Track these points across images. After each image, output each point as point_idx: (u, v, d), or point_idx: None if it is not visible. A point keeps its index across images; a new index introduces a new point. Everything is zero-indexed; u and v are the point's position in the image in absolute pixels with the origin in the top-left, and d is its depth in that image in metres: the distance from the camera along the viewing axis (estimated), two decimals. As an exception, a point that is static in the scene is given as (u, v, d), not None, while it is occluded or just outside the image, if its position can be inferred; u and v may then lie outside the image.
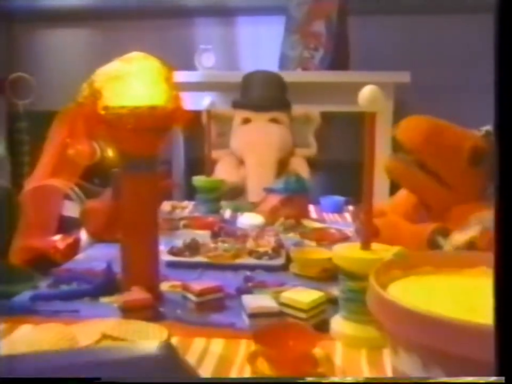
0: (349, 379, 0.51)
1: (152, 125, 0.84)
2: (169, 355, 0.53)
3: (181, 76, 2.37)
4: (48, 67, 3.27)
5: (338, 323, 0.78)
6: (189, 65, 2.67)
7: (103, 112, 0.83)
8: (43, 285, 0.99)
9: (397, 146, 1.07)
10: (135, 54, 0.89)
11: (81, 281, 1.00)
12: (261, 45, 2.87)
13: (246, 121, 2.29)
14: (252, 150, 2.20)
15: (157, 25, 3.05)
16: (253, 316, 0.81)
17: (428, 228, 0.89)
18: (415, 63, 2.60)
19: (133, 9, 3.05)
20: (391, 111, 2.37)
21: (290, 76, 2.41)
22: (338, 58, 2.47)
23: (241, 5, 2.86)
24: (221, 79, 2.61)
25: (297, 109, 2.35)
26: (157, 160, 0.90)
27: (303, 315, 0.80)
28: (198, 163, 2.22)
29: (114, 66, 0.87)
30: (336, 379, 0.46)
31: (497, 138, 0.37)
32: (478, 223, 0.73)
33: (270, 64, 2.60)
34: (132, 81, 0.86)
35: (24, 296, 0.92)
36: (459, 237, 0.77)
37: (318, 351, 0.69)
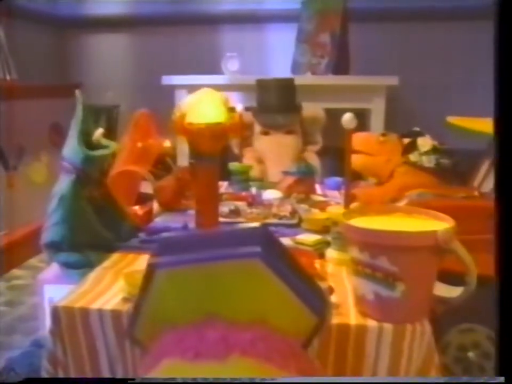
0: (348, 379, 0.54)
1: (218, 134, 1.37)
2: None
3: (209, 79, 2.81)
4: (91, 69, 3.73)
5: (330, 252, 1.31)
6: (217, 69, 3.13)
7: (188, 127, 1.37)
8: (142, 235, 1.54)
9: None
10: (206, 89, 1.41)
11: (165, 233, 1.55)
12: (279, 50, 3.31)
13: (266, 133, 2.68)
14: (272, 158, 2.59)
15: (188, 31, 3.48)
16: (279, 249, 1.35)
17: (386, 197, 1.44)
18: (404, 66, 3.08)
19: (166, 17, 3.49)
20: (383, 108, 2.84)
21: (301, 79, 2.84)
22: (340, 65, 2.96)
23: (261, 14, 3.33)
24: (245, 81, 2.95)
25: (306, 111, 2.68)
26: (218, 156, 1.43)
27: (309, 248, 1.34)
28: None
29: (193, 97, 1.40)
30: (336, 379, 0.44)
31: (497, 138, 0.37)
32: (408, 197, 1.28)
33: (284, 68, 3.07)
34: (205, 106, 1.39)
35: (134, 240, 1.47)
36: (400, 204, 1.31)
37: (317, 265, 1.23)
